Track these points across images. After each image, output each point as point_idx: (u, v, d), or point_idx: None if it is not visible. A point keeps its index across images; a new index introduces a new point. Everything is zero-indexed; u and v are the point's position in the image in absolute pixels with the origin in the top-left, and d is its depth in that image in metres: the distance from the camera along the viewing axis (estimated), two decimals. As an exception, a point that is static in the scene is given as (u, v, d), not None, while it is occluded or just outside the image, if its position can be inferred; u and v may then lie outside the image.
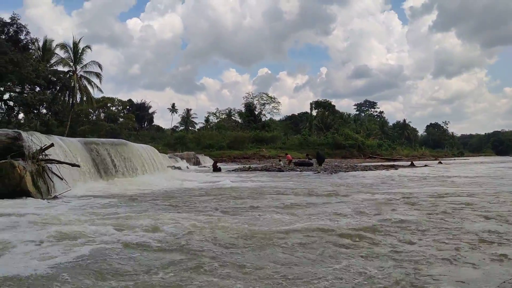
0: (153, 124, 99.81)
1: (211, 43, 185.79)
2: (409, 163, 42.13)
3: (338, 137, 78.16)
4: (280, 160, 41.23)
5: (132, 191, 13.17)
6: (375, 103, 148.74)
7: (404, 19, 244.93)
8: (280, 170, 28.72)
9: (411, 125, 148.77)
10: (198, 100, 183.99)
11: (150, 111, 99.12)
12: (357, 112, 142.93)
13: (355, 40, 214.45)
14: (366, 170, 28.48)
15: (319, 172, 25.89)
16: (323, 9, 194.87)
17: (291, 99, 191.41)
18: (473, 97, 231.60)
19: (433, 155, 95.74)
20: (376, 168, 31.13)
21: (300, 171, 27.73)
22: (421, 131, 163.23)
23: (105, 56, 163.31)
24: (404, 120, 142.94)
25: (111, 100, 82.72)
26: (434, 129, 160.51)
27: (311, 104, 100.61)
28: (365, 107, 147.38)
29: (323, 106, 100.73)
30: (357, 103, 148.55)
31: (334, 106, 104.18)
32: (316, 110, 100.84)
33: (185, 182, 17.11)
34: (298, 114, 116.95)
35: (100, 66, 54.36)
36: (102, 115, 76.54)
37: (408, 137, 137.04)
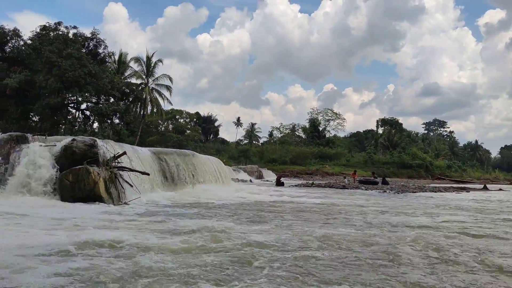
0: (218, 136, 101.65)
1: (277, 58, 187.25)
2: (482, 186, 39.96)
3: (404, 156, 75.69)
4: (344, 177, 40.51)
5: (197, 200, 13.37)
6: (445, 122, 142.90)
7: (479, 36, 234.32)
8: (344, 187, 28.19)
9: (484, 146, 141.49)
10: (262, 115, 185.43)
11: (216, 124, 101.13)
12: (426, 131, 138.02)
13: (425, 57, 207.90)
14: (435, 192, 27.27)
15: (385, 191, 25.14)
16: (392, 25, 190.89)
17: (356, 115, 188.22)
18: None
19: (507, 179, 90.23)
20: (446, 190, 29.73)
21: (365, 189, 27.06)
22: (494, 153, 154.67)
23: (175, 70, 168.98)
24: (476, 141, 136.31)
25: (180, 112, 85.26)
26: (510, 151, 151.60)
27: (377, 121, 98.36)
28: (434, 126, 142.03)
29: (389, 124, 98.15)
30: (426, 122, 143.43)
31: (401, 124, 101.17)
32: (382, 128, 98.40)
33: (250, 195, 17.13)
34: (363, 131, 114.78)
35: (170, 79, 56.31)
36: (170, 126, 78.98)
37: (480, 159, 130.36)
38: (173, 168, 17.39)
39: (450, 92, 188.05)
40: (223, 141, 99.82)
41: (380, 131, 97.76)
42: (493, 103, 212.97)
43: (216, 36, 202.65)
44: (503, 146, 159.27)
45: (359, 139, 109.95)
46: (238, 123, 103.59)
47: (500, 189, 37.11)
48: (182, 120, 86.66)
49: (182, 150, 20.81)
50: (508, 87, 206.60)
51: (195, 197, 14.31)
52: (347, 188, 27.39)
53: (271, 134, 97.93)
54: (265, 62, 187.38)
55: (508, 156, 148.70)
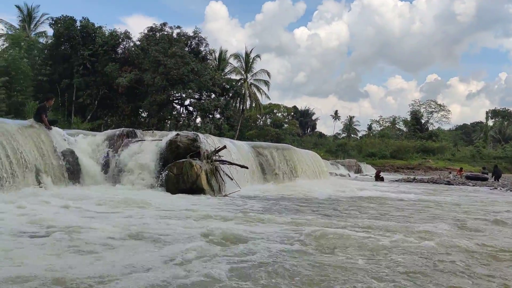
0: (316, 130, 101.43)
1: (376, 49, 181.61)
2: None
3: (518, 150, 69.82)
4: (450, 173, 38.43)
5: (296, 194, 13.51)
6: None
7: None
8: (449, 183, 26.73)
9: None
10: (361, 108, 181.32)
11: (313, 117, 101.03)
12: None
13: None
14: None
15: (495, 188, 23.42)
16: (505, 8, 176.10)
17: (463, 107, 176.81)
18: None
19: None
20: None
21: (473, 185, 25.43)
22: None
23: (272, 65, 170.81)
24: None
25: (277, 106, 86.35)
26: None
27: (487, 113, 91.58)
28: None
29: (501, 115, 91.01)
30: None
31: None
32: (493, 120, 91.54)
33: (348, 189, 16.87)
34: (470, 123, 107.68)
35: (268, 74, 57.27)
36: (268, 120, 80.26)
37: None
38: (271, 162, 17.72)
39: None
40: (321, 134, 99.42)
41: (490, 123, 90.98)
42: None
43: (314, 29, 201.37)
44: None
45: (466, 132, 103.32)
46: (335, 116, 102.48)
47: None
48: (279, 114, 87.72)
49: (280, 144, 21.11)
50: None
51: (293, 191, 14.45)
52: (452, 184, 25.96)
53: (370, 128, 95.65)
54: (363, 53, 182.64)
55: None
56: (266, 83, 57.00)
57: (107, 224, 6.14)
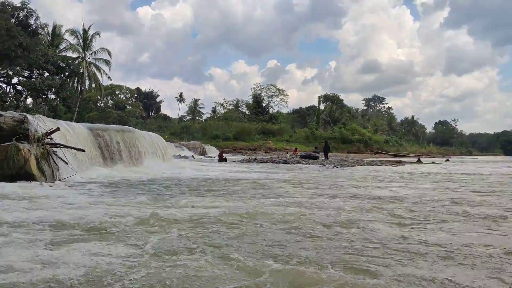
0: (160, 113, 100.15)
1: (221, 33, 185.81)
2: (416, 159, 41.92)
3: (345, 131, 77.93)
4: (287, 153, 41.17)
5: (135, 177, 13.17)
6: (384, 98, 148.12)
7: (416, 14, 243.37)
8: (285, 162, 28.67)
9: (419, 122, 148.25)
10: (206, 90, 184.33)
11: (158, 100, 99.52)
12: (365, 107, 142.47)
13: (365, 35, 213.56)
14: (372, 165, 28.33)
15: (324, 165, 25.80)
16: (335, 2, 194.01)
17: (299, 92, 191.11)
18: (483, 95, 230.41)
19: (440, 153, 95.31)
20: (383, 163, 30.95)
21: (306, 163, 27.66)
22: (429, 128, 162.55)
23: (114, 44, 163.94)
24: (413, 117, 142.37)
25: (119, 87, 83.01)
26: (443, 126, 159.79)
27: (319, 97, 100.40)
28: (374, 102, 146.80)
29: (331, 100, 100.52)
30: (366, 98, 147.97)
31: (342, 100, 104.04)
32: (324, 104, 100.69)
33: (186, 170, 17.05)
34: (306, 107, 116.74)
35: (109, 53, 54.54)
36: (110, 102, 76.81)
37: (416, 134, 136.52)
38: (111, 145, 16.94)
39: (389, 69, 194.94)
40: (165, 117, 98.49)
41: (322, 107, 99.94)
42: (428, 80, 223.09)
43: (158, 9, 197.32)
44: (437, 122, 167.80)
45: (302, 115, 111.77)
46: (180, 98, 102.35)
47: (433, 162, 39.14)
48: (122, 96, 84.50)
49: (121, 126, 20.25)
50: (442, 65, 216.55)
51: (131, 173, 14.06)
52: (288, 163, 27.88)
53: (214, 110, 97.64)
54: (208, 37, 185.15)
55: (441, 131, 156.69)
56: (107, 62, 54.27)
57: None
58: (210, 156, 41.20)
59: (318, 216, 6.12)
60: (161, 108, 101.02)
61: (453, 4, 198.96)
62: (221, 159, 30.13)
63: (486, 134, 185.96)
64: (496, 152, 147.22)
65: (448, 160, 49.20)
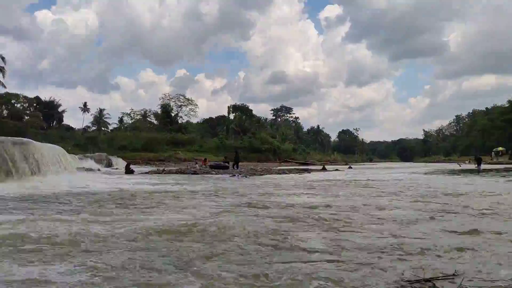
0: (63, 123, 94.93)
1: (127, 41, 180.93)
2: (321, 167, 43.60)
3: (254, 141, 79.29)
4: (196, 163, 40.86)
5: (29, 192, 12.27)
6: (291, 108, 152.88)
7: (320, 28, 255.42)
8: (195, 172, 28.39)
9: (324, 131, 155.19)
10: (112, 100, 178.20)
11: (60, 109, 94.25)
12: (274, 117, 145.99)
13: (273, 46, 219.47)
14: (280, 174, 29.00)
15: (234, 175, 25.94)
16: (243, 14, 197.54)
17: (209, 102, 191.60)
18: (381, 106, 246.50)
19: (344, 160, 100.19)
20: (290, 171, 31.80)
21: (216, 173, 27.62)
22: (333, 137, 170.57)
23: (10, 49, 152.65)
24: (318, 126, 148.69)
25: (16, 96, 77.54)
26: (346, 135, 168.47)
27: (228, 107, 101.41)
28: (282, 112, 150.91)
29: (240, 110, 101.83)
30: (274, 108, 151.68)
31: (251, 110, 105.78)
32: (234, 114, 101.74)
33: (89, 183, 16.30)
34: (215, 117, 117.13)
35: (3, 59, 50.86)
36: (5, 112, 71.45)
37: (322, 142, 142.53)
38: (5, 158, 15.70)
39: (295, 80, 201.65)
40: (69, 128, 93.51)
41: (232, 117, 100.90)
42: (332, 92, 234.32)
43: (59, 14, 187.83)
44: (340, 131, 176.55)
45: (212, 125, 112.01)
46: (85, 108, 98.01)
47: (337, 169, 40.96)
48: (19, 105, 78.95)
49: (15, 138, 18.83)
50: (344, 77, 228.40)
51: (28, 189, 13.11)
52: (198, 173, 27.65)
53: (121, 120, 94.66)
54: (114, 45, 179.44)
55: (344, 139, 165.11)
56: (1, 69, 50.55)
57: None
58: (117, 168, 39.73)
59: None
60: (64, 119, 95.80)
61: (353, 19, 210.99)
62: (128, 171, 29.15)
63: (385, 142, 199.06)
64: (393, 159, 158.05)
65: (351, 167, 51.72)
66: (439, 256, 4.49)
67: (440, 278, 3.65)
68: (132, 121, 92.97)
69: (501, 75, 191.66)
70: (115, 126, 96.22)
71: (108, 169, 38.89)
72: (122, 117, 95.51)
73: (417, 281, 3.59)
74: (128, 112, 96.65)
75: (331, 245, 5.02)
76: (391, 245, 4.99)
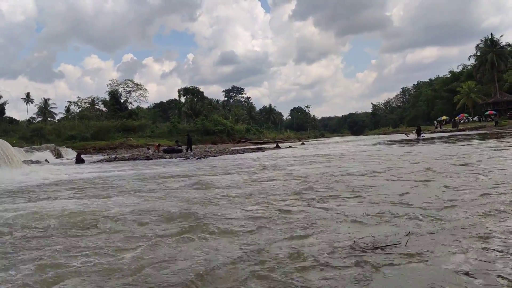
0: (5, 116, 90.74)
1: (70, 27, 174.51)
2: (275, 145, 44.00)
3: (207, 123, 78.79)
4: (148, 149, 40.23)
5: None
6: (243, 89, 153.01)
7: (267, 7, 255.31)
8: (148, 158, 27.97)
9: (277, 109, 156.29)
10: (57, 89, 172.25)
11: (1, 101, 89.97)
12: (226, 98, 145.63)
13: (221, 27, 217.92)
14: (235, 154, 29.05)
15: (188, 158, 25.77)
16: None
17: (159, 86, 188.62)
18: (331, 82, 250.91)
19: (297, 137, 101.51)
20: (244, 151, 31.90)
21: (169, 158, 27.33)
22: (286, 115, 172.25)
23: None
24: (270, 105, 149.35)
25: (-49, 90, 73.32)
26: (298, 112, 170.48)
27: (179, 91, 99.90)
28: (233, 93, 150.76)
29: (191, 92, 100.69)
30: (225, 90, 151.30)
31: (202, 92, 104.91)
32: (185, 97, 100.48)
33: (36, 175, 15.77)
34: (166, 101, 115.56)
35: None
36: None
37: (274, 121, 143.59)
38: None
39: (245, 60, 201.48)
40: (12, 120, 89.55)
41: (183, 100, 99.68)
42: (282, 70, 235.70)
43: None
44: (292, 108, 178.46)
45: (163, 109, 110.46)
46: (28, 99, 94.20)
47: (290, 146, 41.49)
48: (-46, 99, 74.77)
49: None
50: (294, 55, 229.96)
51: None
52: (151, 159, 27.27)
53: (68, 110, 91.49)
54: (56, 31, 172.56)
55: (296, 117, 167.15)
56: None
57: None
58: (67, 159, 38.52)
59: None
60: (5, 111, 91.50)
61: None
62: (79, 160, 28.34)
63: (335, 117, 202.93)
64: (345, 133, 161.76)
65: (303, 143, 52.47)
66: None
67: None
68: (80, 109, 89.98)
69: (442, 46, 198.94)
70: (62, 116, 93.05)
71: (58, 160, 37.68)
72: (68, 106, 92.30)
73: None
74: (75, 100, 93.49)
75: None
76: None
